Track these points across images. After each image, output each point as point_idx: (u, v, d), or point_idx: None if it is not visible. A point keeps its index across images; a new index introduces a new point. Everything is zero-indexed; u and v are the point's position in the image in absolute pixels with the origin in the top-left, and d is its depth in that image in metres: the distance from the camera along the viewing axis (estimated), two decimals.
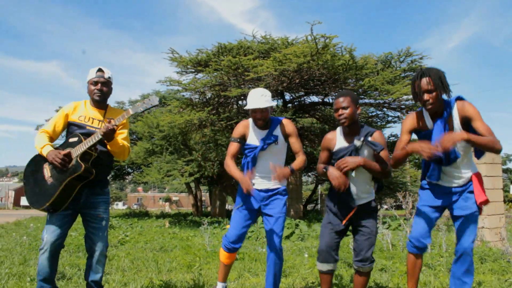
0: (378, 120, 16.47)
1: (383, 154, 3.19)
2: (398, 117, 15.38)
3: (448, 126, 2.95)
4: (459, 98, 2.98)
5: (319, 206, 30.56)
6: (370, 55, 12.90)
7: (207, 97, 13.37)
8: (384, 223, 11.83)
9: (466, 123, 2.90)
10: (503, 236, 6.85)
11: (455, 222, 3.09)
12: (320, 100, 14.97)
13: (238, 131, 3.61)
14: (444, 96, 2.97)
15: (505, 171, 44.93)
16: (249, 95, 3.50)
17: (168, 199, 66.61)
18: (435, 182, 3.16)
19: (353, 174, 3.20)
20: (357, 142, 3.20)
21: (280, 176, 3.27)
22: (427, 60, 13.55)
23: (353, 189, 3.28)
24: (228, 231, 3.63)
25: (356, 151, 3.20)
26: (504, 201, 7.72)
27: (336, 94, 3.31)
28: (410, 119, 3.15)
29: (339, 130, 3.37)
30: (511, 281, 4.39)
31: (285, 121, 3.60)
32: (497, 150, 2.79)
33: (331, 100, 14.99)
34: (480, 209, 3.02)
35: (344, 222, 3.29)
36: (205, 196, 38.54)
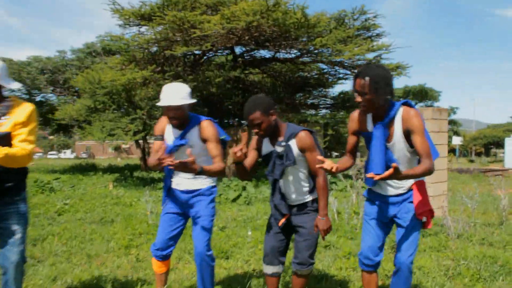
0: (330, 77, 16.38)
1: (312, 156, 2.97)
2: (349, 74, 15.32)
3: (389, 132, 2.72)
4: (406, 104, 2.73)
5: None
6: (324, 13, 12.51)
7: (152, 52, 12.62)
8: (331, 183, 12.01)
9: (408, 134, 2.68)
10: (444, 205, 7.01)
11: (396, 232, 2.94)
12: (271, 56, 14.61)
13: (158, 127, 3.28)
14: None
15: (449, 122, 46.96)
16: (163, 89, 3.10)
17: (117, 148, 65.10)
18: (371, 188, 2.98)
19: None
20: (278, 148, 2.99)
21: None
22: (381, 19, 13.29)
23: (287, 191, 3.10)
24: (156, 237, 3.36)
25: (279, 157, 2.98)
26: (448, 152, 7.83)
27: (245, 106, 2.93)
28: (353, 120, 2.88)
29: None
30: (448, 265, 4.46)
31: (205, 123, 3.20)
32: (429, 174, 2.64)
33: (282, 56, 14.65)
34: (427, 222, 2.83)
35: (280, 223, 3.12)
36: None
